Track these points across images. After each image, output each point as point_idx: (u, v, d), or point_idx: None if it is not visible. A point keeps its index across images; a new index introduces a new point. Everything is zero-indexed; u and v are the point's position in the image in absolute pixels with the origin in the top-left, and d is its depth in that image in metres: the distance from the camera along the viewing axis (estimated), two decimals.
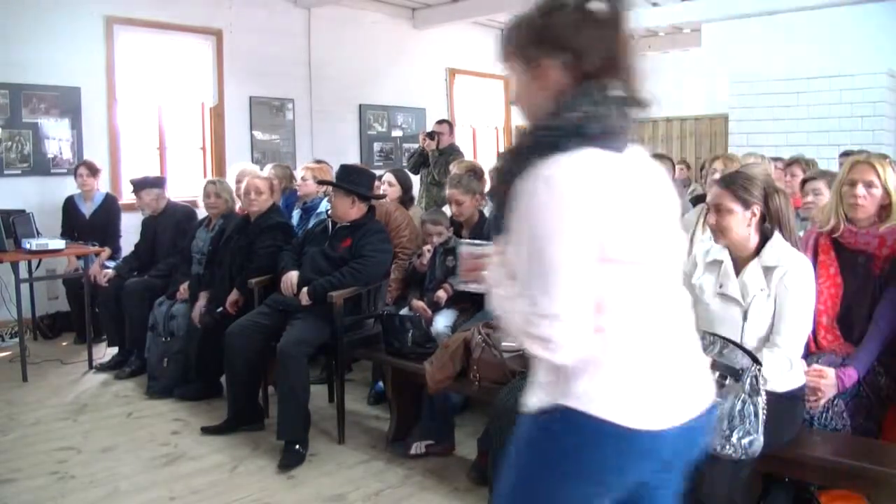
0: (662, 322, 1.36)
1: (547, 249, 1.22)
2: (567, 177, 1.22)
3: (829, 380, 2.34)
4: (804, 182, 3.50)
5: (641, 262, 1.30)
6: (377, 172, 5.17)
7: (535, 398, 1.37)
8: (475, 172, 4.54)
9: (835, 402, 2.39)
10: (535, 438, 1.37)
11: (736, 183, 2.37)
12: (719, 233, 2.37)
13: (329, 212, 3.80)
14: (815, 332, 2.57)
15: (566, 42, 1.30)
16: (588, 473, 1.34)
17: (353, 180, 3.73)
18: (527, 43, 1.34)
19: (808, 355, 2.49)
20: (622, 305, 1.30)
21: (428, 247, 3.91)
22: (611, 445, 1.30)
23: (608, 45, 1.31)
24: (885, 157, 2.69)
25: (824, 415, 2.39)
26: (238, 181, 4.60)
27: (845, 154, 5.79)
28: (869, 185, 2.59)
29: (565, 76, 1.31)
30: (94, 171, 5.53)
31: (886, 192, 2.57)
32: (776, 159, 5.19)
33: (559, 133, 1.25)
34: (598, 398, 1.29)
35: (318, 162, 5.58)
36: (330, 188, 4.25)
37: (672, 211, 1.41)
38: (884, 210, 2.60)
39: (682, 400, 1.36)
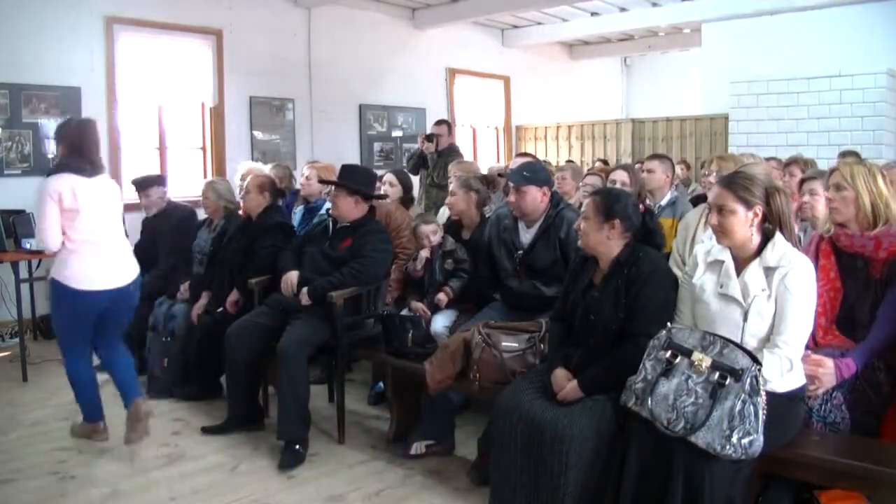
0: (96, 240, 3.31)
1: (39, 208, 3.22)
2: (50, 183, 3.21)
3: (827, 369, 2.35)
4: (801, 182, 3.50)
5: (81, 211, 3.22)
6: (377, 173, 5.18)
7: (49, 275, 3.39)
8: (486, 180, 4.50)
9: (833, 395, 2.40)
10: (50, 294, 3.51)
11: (737, 183, 2.36)
12: (721, 233, 2.37)
13: (330, 211, 3.79)
14: (814, 333, 2.58)
15: (63, 139, 3.38)
16: (69, 310, 3.34)
17: (356, 180, 3.73)
18: (56, 142, 3.46)
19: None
20: (74, 231, 3.24)
21: (425, 251, 3.87)
22: (70, 297, 3.28)
23: (81, 138, 3.34)
24: (859, 162, 2.75)
25: (823, 407, 2.40)
26: (241, 180, 4.63)
27: (844, 154, 5.79)
28: (837, 187, 2.67)
29: (65, 150, 3.35)
30: None
31: (859, 195, 2.61)
32: (769, 159, 5.18)
33: (56, 167, 3.31)
34: (62, 273, 3.27)
35: (313, 163, 5.58)
36: (330, 188, 4.26)
37: (105, 197, 3.38)
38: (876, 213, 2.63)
39: (109, 277, 3.33)
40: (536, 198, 3.38)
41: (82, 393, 3.56)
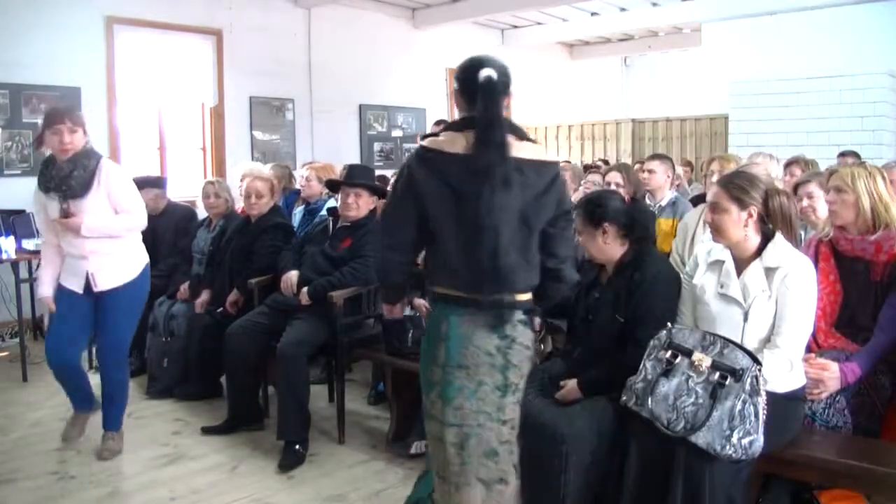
0: None
1: (127, 189, 3.26)
2: (120, 168, 3.34)
3: (832, 373, 2.34)
4: (796, 187, 3.43)
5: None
6: (377, 173, 5.17)
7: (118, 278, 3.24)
8: None
9: (836, 399, 2.39)
10: (130, 293, 3.25)
11: (733, 183, 2.37)
12: (715, 231, 2.39)
13: (343, 211, 3.75)
14: (815, 335, 2.58)
15: (49, 121, 3.11)
16: (145, 292, 3.36)
17: (371, 178, 3.78)
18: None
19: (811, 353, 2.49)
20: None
21: None
22: (146, 276, 3.33)
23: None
24: (860, 163, 2.74)
25: (826, 411, 2.39)
26: (241, 181, 4.61)
27: (843, 154, 5.79)
28: (838, 190, 2.66)
29: (80, 140, 3.17)
30: None
31: (859, 197, 2.60)
32: None
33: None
34: (137, 253, 3.33)
35: (310, 163, 5.56)
36: (328, 189, 4.26)
37: None
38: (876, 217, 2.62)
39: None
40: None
41: (125, 398, 3.49)
